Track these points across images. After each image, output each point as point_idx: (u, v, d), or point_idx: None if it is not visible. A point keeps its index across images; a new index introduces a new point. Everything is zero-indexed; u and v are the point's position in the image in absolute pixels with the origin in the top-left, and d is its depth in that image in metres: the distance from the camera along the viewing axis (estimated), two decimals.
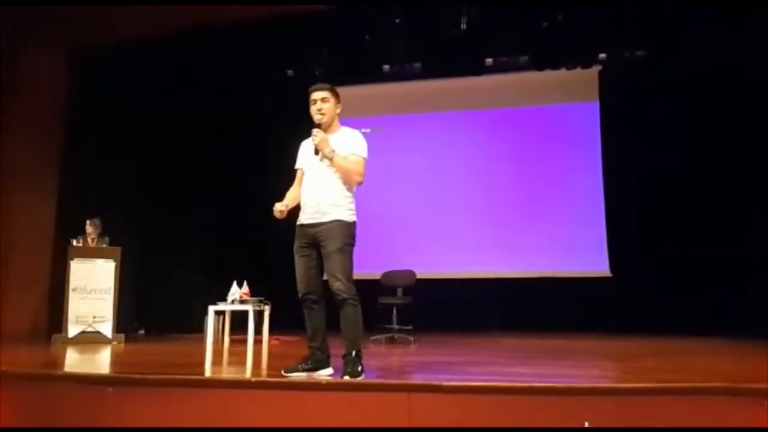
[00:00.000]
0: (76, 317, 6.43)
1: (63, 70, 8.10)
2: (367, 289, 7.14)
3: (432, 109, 9.22)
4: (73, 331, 6.39)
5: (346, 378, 3.28)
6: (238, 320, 6.90)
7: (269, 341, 6.47)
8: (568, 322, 7.77)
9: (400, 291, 6.65)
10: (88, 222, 6.84)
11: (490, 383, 3.12)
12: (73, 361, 4.91)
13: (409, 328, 6.59)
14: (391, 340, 6.41)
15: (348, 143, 3.51)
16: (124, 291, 6.92)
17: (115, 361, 5.01)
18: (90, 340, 6.35)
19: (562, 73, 8.70)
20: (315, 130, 3.47)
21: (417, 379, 3.55)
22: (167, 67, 8.43)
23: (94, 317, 6.46)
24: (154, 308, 8.26)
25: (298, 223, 3.57)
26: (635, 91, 8.41)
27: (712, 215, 7.61)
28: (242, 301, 6.58)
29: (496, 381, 3.25)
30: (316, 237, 3.47)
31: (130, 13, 7.24)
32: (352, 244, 3.51)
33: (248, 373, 4.02)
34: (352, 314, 3.46)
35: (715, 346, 5.80)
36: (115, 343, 6.44)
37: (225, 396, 3.31)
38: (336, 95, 3.58)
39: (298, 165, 3.70)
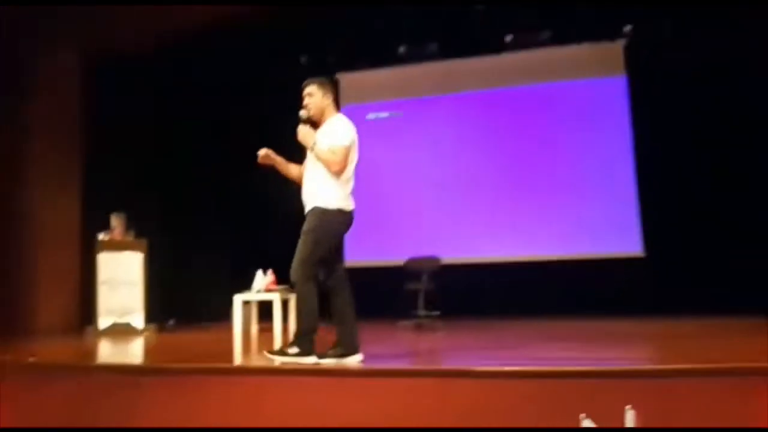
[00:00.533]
0: (107, 309, 6.53)
1: (81, 69, 8.16)
2: (392, 275, 7.20)
3: (451, 89, 9.04)
4: (104, 323, 6.49)
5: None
6: (266, 308, 6.91)
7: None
8: (599, 304, 7.58)
9: (425, 277, 6.59)
10: (113, 216, 6.91)
11: (525, 368, 3.07)
12: (107, 352, 5.04)
13: (436, 313, 6.53)
14: (418, 326, 6.36)
15: (329, 133, 3.62)
16: (153, 282, 7.00)
17: (147, 351, 5.12)
18: (121, 331, 6.45)
19: (586, 47, 8.45)
20: (299, 126, 3.64)
21: (448, 365, 3.49)
22: (184, 61, 8.43)
23: (124, 309, 6.55)
24: (182, 298, 8.32)
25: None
26: (664, 63, 8.11)
27: (751, 190, 7.33)
28: (268, 290, 6.58)
29: (530, 365, 3.18)
30: None
31: (145, 10, 7.25)
32: (322, 229, 3.57)
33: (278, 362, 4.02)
34: (300, 296, 3.56)
35: (754, 325, 5.62)
36: (145, 333, 6.52)
37: (257, 383, 3.34)
38: (323, 86, 3.72)
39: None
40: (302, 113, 3.66)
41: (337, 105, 3.87)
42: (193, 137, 8.71)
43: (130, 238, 6.88)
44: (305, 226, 3.58)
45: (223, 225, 8.82)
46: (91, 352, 5.01)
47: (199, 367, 3.54)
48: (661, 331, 5.44)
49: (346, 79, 9.36)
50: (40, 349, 5.37)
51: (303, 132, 3.61)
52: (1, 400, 4.01)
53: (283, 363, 3.47)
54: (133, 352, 5.03)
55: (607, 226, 8.16)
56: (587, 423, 2.62)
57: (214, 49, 8.33)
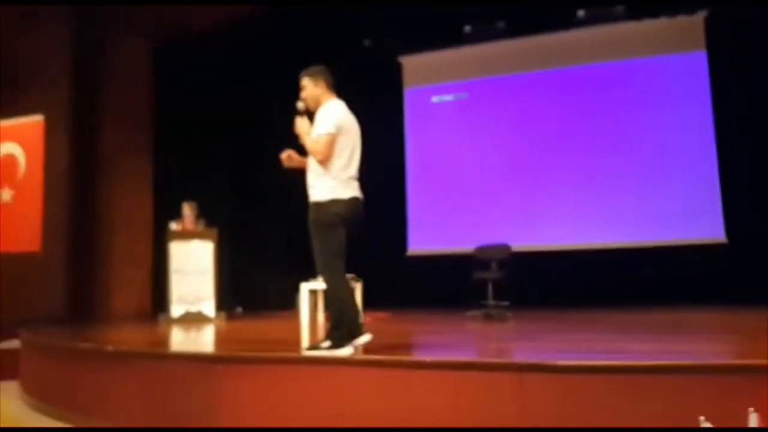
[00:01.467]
0: (179, 297, 6.71)
1: (150, 60, 8.41)
2: (461, 263, 7.07)
3: (519, 69, 8.73)
4: (177, 310, 6.67)
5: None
6: None
7: (362, 318, 6.44)
8: (678, 293, 7.24)
9: (494, 265, 6.44)
10: (185, 205, 7.05)
11: (612, 362, 2.86)
12: (180, 339, 5.15)
13: (506, 303, 6.36)
14: (488, 316, 6.22)
15: (317, 121, 3.60)
16: (223, 271, 7.13)
17: (219, 339, 5.23)
18: (193, 319, 6.62)
19: (663, 21, 8.00)
20: (296, 117, 3.64)
21: (526, 358, 3.33)
22: (250, 48, 8.50)
23: (196, 297, 6.71)
24: (250, 287, 8.47)
25: None
26: (747, 37, 7.58)
27: None
28: None
29: (615, 359, 2.99)
30: None
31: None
32: (322, 222, 3.56)
33: None
34: (329, 291, 3.66)
35: None
36: (216, 321, 6.66)
37: (326, 373, 3.30)
38: (313, 77, 3.70)
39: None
40: (299, 104, 3.66)
41: (334, 91, 3.77)
42: (263, 124, 8.78)
43: (200, 226, 7.02)
44: (311, 226, 3.59)
45: (292, 213, 8.90)
46: (166, 340, 5.13)
47: (271, 357, 3.55)
48: (747, 323, 5.04)
49: (408, 61, 9.23)
50: (115, 335, 5.58)
51: (298, 124, 3.61)
52: (81, 387, 4.21)
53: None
54: (206, 340, 5.13)
55: (686, 212, 7.74)
56: (706, 425, 2.42)
57: (276, 34, 8.36)
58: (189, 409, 3.55)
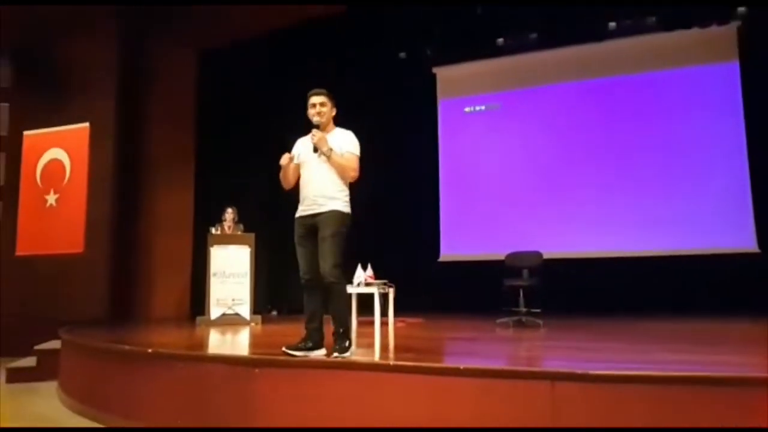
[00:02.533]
0: (217, 300, 6.88)
1: (193, 66, 8.60)
2: (492, 270, 7.13)
3: (551, 80, 8.81)
4: (215, 313, 6.84)
5: (335, 354, 3.59)
6: (364, 303, 7.04)
7: (395, 323, 6.55)
8: (710, 303, 7.20)
9: (526, 272, 6.46)
10: (228, 210, 7.25)
11: (646, 372, 2.87)
12: (219, 342, 5.22)
13: (538, 311, 6.40)
14: (519, 323, 6.26)
15: (343, 142, 3.86)
16: (259, 274, 7.29)
17: (256, 342, 5.29)
18: (230, 321, 6.78)
19: (695, 32, 7.99)
20: (314, 131, 3.81)
21: (558, 366, 3.39)
22: (290, 58, 8.69)
23: (233, 300, 6.89)
24: (285, 290, 8.63)
25: (297, 216, 3.93)
26: None
27: None
28: (367, 284, 6.70)
29: (647, 369, 3.01)
30: (314, 226, 3.80)
31: (253, 8, 7.56)
32: (345, 233, 3.80)
33: (377, 356, 4.09)
34: (338, 295, 3.78)
35: None
36: (252, 324, 6.83)
37: (360, 378, 3.38)
38: (332, 99, 3.94)
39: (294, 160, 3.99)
40: (316, 119, 3.85)
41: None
42: (299, 132, 8.97)
43: (239, 231, 7.22)
44: (329, 230, 3.71)
45: None
46: (204, 342, 5.23)
47: (307, 361, 3.62)
48: None
49: (442, 73, 9.37)
50: (155, 337, 5.69)
51: (319, 136, 3.79)
52: (118, 388, 4.28)
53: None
54: (244, 343, 5.24)
55: (719, 221, 7.72)
56: None
57: (315, 46, 8.52)
58: (225, 411, 3.62)
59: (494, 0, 7.83)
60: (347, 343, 3.69)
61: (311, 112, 3.90)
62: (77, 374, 4.98)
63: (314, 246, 3.81)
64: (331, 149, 3.78)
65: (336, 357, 3.58)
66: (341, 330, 3.73)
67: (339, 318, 3.77)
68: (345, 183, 3.88)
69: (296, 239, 3.92)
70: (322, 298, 3.89)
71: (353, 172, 3.86)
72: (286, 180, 4.00)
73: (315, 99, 3.90)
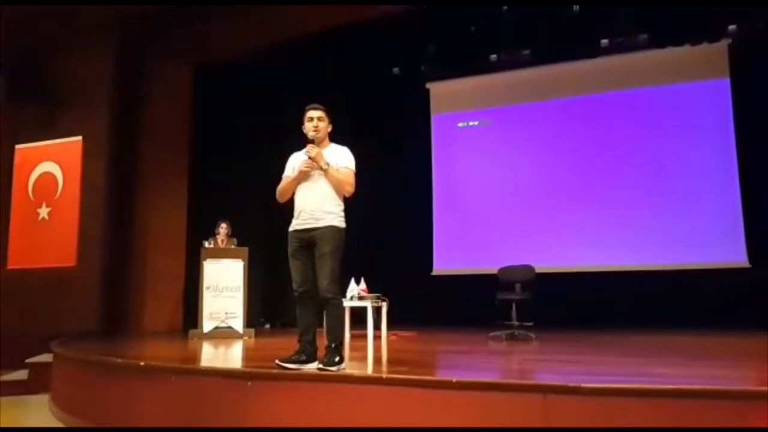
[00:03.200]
0: (210, 314, 6.86)
1: (188, 81, 8.63)
2: (485, 284, 7.16)
3: (543, 96, 8.90)
4: (207, 326, 6.82)
5: (321, 366, 3.59)
6: (357, 316, 7.04)
7: (388, 336, 6.55)
8: (701, 317, 7.25)
9: (518, 286, 6.49)
10: (223, 224, 7.26)
11: (638, 385, 2.89)
12: (211, 355, 5.20)
13: (530, 324, 6.42)
14: (512, 337, 6.28)
15: (340, 158, 3.88)
16: (251, 288, 7.29)
17: (249, 355, 5.28)
18: (223, 335, 6.76)
19: (686, 49, 8.10)
20: (310, 145, 3.83)
21: (551, 380, 3.41)
22: (282, 73, 8.74)
23: (227, 313, 6.88)
24: (277, 304, 8.63)
25: (291, 229, 3.92)
26: None
27: None
28: (360, 298, 6.70)
29: (641, 383, 3.04)
30: (310, 240, 3.80)
31: (249, 24, 7.63)
32: (342, 249, 3.81)
33: (369, 369, 4.10)
34: (335, 311, 3.80)
35: None
36: (245, 337, 6.81)
37: (353, 391, 3.37)
38: (329, 115, 3.95)
39: (287, 174, 4.02)
40: (312, 134, 3.86)
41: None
42: (292, 148, 9.01)
43: (232, 245, 7.21)
44: (328, 247, 3.72)
45: None
46: (196, 355, 5.21)
47: (300, 374, 3.62)
48: None
49: (436, 88, 9.45)
50: (147, 350, 5.67)
51: (316, 151, 3.80)
52: (111, 401, 4.25)
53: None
54: (237, 356, 5.23)
55: (709, 235, 7.78)
56: None
57: (309, 62, 8.61)
58: (218, 423, 3.60)
59: (485, 17, 7.93)
60: (337, 359, 3.67)
61: (308, 126, 3.91)
62: (69, 387, 4.96)
63: (308, 259, 3.83)
64: (328, 164, 3.80)
65: (321, 369, 3.58)
66: (333, 345, 3.73)
67: (334, 332, 3.78)
68: (340, 198, 3.89)
69: (290, 252, 3.90)
70: (316, 312, 3.89)
71: (350, 187, 3.87)
72: (286, 193, 3.99)
73: (313, 113, 3.91)
